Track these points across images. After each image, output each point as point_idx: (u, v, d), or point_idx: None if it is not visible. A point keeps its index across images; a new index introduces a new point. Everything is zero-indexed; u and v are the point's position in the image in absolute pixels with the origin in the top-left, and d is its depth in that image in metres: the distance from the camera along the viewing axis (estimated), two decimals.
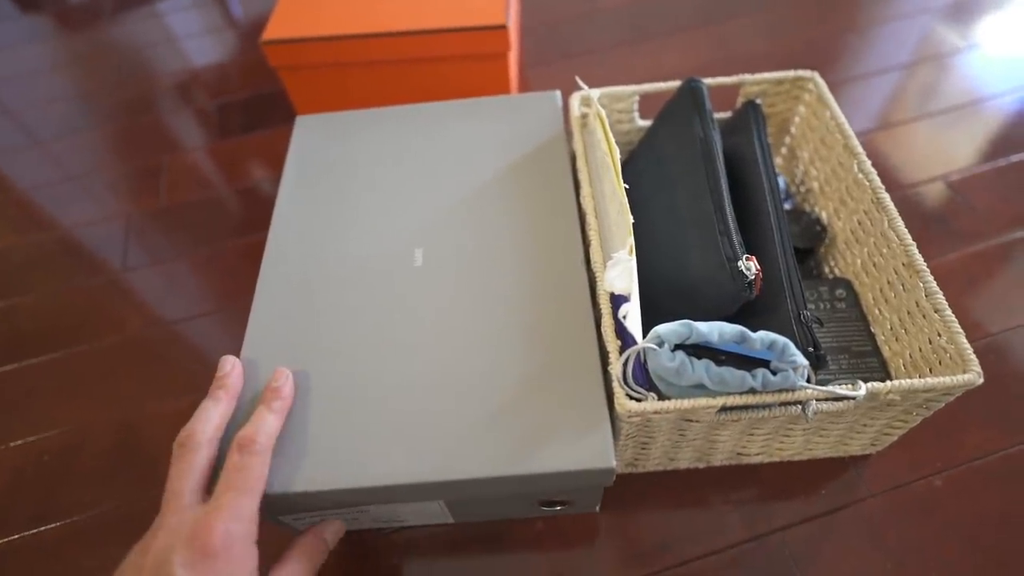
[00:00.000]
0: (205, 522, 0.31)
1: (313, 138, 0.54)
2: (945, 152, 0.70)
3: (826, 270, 0.55)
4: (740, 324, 0.41)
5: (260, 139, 0.81)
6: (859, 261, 0.49)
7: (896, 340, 0.45)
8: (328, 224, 0.49)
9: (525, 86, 0.81)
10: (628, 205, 0.41)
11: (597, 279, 0.43)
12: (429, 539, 0.47)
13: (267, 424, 0.36)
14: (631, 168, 0.54)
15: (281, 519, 0.42)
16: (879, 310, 0.47)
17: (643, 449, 0.45)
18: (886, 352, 0.46)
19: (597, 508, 0.47)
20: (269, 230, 0.49)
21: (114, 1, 1.07)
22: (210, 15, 1.03)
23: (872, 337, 0.47)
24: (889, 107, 0.76)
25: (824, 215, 0.54)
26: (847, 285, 0.50)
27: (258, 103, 0.86)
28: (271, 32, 0.63)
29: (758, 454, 0.48)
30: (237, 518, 0.32)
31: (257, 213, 0.72)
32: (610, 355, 0.39)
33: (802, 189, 0.58)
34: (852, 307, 0.49)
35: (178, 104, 0.87)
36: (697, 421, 0.40)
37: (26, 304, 0.65)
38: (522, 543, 0.46)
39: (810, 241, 0.53)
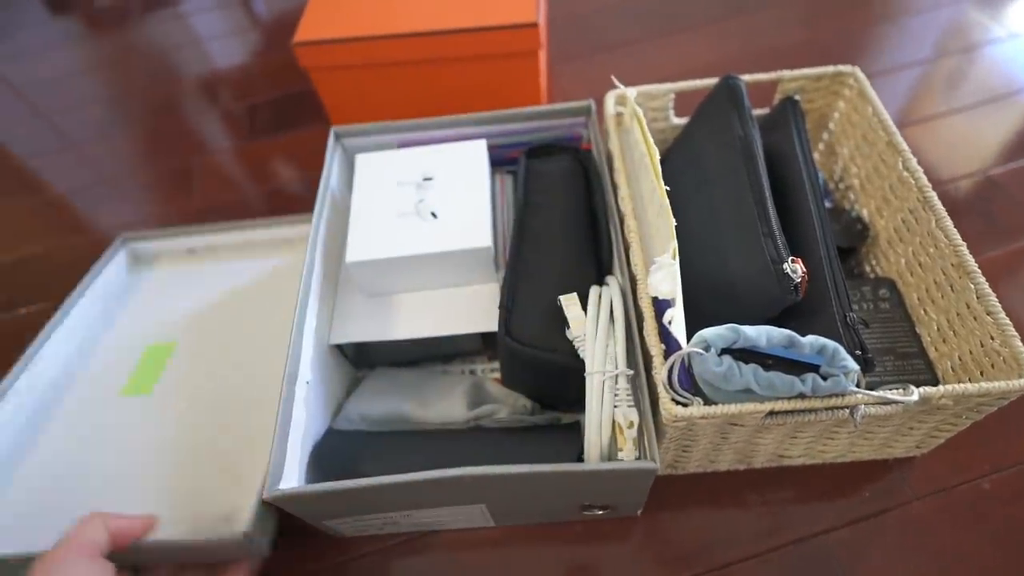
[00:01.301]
0: None
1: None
2: (985, 145, 0.68)
3: (867, 269, 0.54)
4: (782, 326, 0.41)
5: (289, 140, 0.81)
6: (903, 260, 0.48)
7: (944, 342, 0.44)
8: None
9: (553, 83, 0.80)
10: (670, 207, 0.41)
11: (638, 282, 0.42)
12: (468, 533, 0.47)
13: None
14: (667, 167, 0.53)
15: (327, 523, 0.42)
16: (925, 311, 0.46)
17: (684, 451, 0.45)
18: (932, 354, 0.46)
19: (639, 512, 0.47)
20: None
21: (141, 2, 1.08)
22: (234, 15, 1.04)
23: (918, 338, 0.47)
24: (925, 99, 0.74)
25: (865, 213, 0.53)
26: (890, 285, 0.49)
27: (287, 103, 0.86)
28: (302, 34, 0.63)
29: (800, 456, 0.47)
30: None
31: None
32: (654, 359, 0.39)
33: (841, 186, 0.57)
34: (896, 307, 0.48)
35: (207, 106, 0.88)
36: (742, 425, 0.40)
37: None
38: (561, 542, 0.47)
39: (851, 240, 0.52)
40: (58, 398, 0.53)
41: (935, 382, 0.45)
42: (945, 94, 0.74)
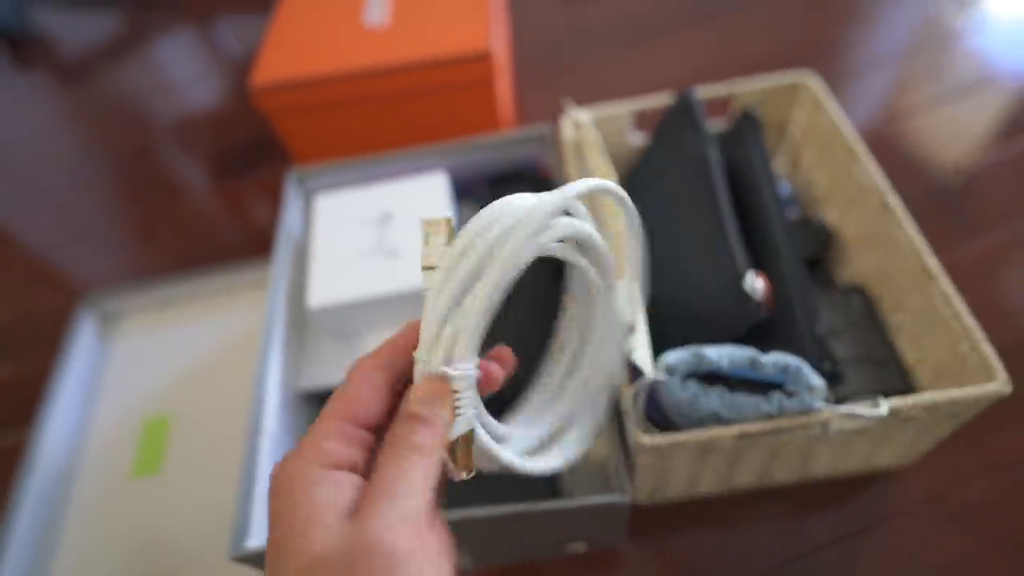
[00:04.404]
0: None
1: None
2: (960, 139, 0.68)
3: (836, 277, 0.53)
4: (755, 343, 0.40)
5: (262, 181, 0.81)
6: (871, 266, 0.48)
7: (917, 348, 0.43)
8: None
9: (520, 108, 0.81)
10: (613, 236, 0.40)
11: None
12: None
13: None
14: (633, 188, 0.53)
15: None
16: (897, 317, 0.45)
17: (662, 479, 0.44)
18: (909, 360, 0.45)
19: (619, 544, 0.45)
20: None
21: (106, 50, 1.09)
22: (202, 58, 1.04)
23: (891, 345, 0.46)
24: (898, 95, 0.73)
25: (831, 220, 0.53)
26: (860, 291, 0.49)
27: (258, 143, 0.87)
28: (260, 77, 0.63)
29: (786, 475, 0.46)
30: None
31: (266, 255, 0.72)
32: (621, 387, 0.38)
33: (807, 195, 0.56)
34: (868, 315, 0.47)
35: (178, 152, 0.88)
36: (718, 449, 0.39)
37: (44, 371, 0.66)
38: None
39: (818, 249, 0.51)
40: (66, 490, 0.53)
41: (910, 390, 0.44)
42: (919, 88, 0.73)
